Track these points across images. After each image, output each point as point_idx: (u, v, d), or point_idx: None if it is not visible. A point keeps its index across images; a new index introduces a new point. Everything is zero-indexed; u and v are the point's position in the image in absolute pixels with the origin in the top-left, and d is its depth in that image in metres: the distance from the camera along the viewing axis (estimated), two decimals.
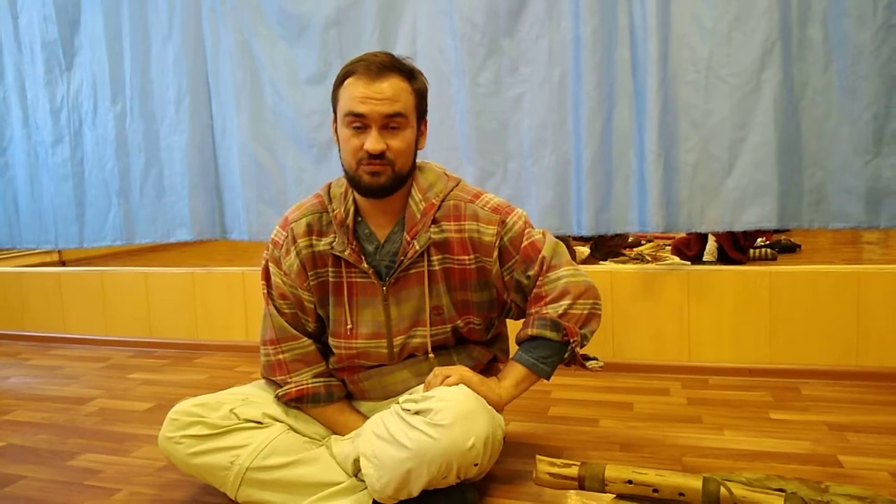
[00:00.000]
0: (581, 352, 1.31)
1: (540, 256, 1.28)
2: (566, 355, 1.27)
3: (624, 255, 3.38)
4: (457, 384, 1.17)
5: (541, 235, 1.31)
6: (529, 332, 1.27)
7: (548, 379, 1.28)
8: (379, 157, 1.19)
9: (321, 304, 1.33)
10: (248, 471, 1.20)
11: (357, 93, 1.18)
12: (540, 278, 1.28)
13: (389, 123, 1.19)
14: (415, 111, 1.23)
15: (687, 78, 1.90)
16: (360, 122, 1.19)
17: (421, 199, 1.27)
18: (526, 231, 1.29)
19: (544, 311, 1.26)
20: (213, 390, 1.34)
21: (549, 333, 1.25)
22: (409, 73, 1.23)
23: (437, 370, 1.23)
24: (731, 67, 1.85)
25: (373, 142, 1.18)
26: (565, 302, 1.26)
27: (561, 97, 2.03)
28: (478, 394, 1.17)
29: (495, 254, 1.27)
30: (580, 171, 2.02)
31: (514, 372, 1.27)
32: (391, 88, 1.18)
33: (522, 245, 1.28)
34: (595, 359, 1.33)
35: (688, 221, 1.95)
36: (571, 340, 1.25)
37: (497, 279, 1.30)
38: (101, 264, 2.96)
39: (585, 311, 1.27)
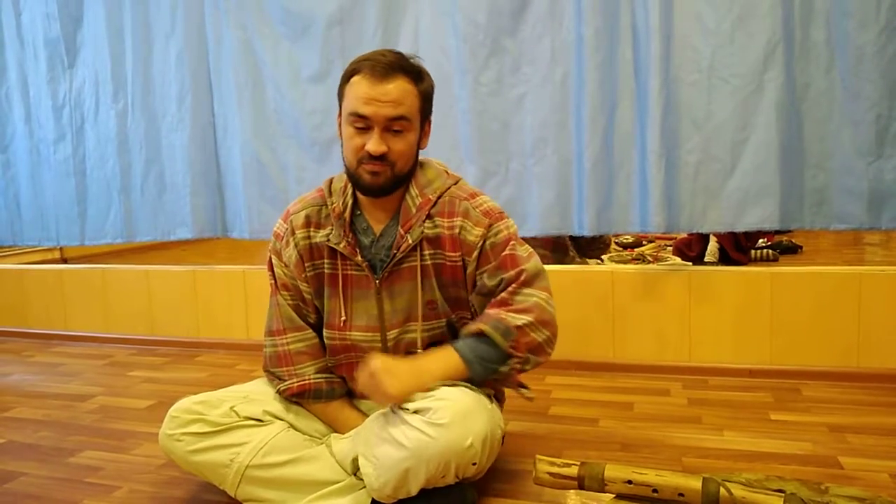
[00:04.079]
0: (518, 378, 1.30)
1: (519, 268, 1.24)
2: (502, 368, 1.21)
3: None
4: (374, 370, 1.11)
5: (525, 253, 1.27)
6: (481, 326, 1.20)
7: (473, 384, 1.18)
8: (380, 158, 1.19)
9: (317, 296, 1.35)
10: (248, 468, 1.20)
11: (362, 93, 1.18)
12: (513, 285, 1.23)
13: (392, 126, 1.19)
14: (419, 113, 1.23)
15: (689, 78, 1.89)
16: (363, 123, 1.19)
17: (417, 195, 1.28)
18: (510, 243, 1.26)
19: (503, 316, 1.20)
20: (214, 388, 1.34)
21: (498, 337, 1.18)
22: (416, 75, 1.23)
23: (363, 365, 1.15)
24: (734, 68, 1.85)
25: (374, 144, 1.18)
26: (528, 318, 1.20)
27: (563, 97, 2.03)
28: (402, 379, 1.12)
29: (475, 254, 1.25)
30: (582, 171, 2.02)
31: (449, 361, 1.19)
32: (396, 91, 1.18)
33: (503, 254, 1.25)
34: (528, 388, 1.35)
35: (689, 222, 1.94)
36: (515, 355, 1.19)
37: (469, 277, 1.28)
38: (103, 262, 2.96)
39: (540, 339, 1.21)
